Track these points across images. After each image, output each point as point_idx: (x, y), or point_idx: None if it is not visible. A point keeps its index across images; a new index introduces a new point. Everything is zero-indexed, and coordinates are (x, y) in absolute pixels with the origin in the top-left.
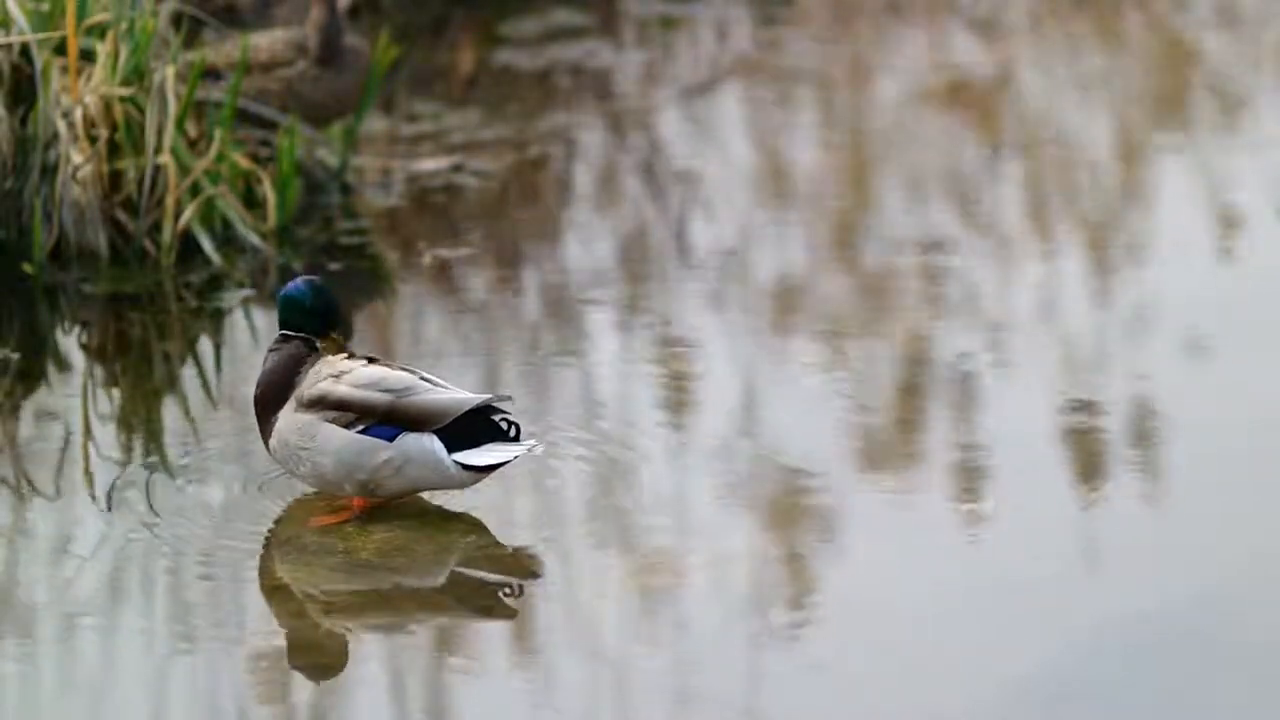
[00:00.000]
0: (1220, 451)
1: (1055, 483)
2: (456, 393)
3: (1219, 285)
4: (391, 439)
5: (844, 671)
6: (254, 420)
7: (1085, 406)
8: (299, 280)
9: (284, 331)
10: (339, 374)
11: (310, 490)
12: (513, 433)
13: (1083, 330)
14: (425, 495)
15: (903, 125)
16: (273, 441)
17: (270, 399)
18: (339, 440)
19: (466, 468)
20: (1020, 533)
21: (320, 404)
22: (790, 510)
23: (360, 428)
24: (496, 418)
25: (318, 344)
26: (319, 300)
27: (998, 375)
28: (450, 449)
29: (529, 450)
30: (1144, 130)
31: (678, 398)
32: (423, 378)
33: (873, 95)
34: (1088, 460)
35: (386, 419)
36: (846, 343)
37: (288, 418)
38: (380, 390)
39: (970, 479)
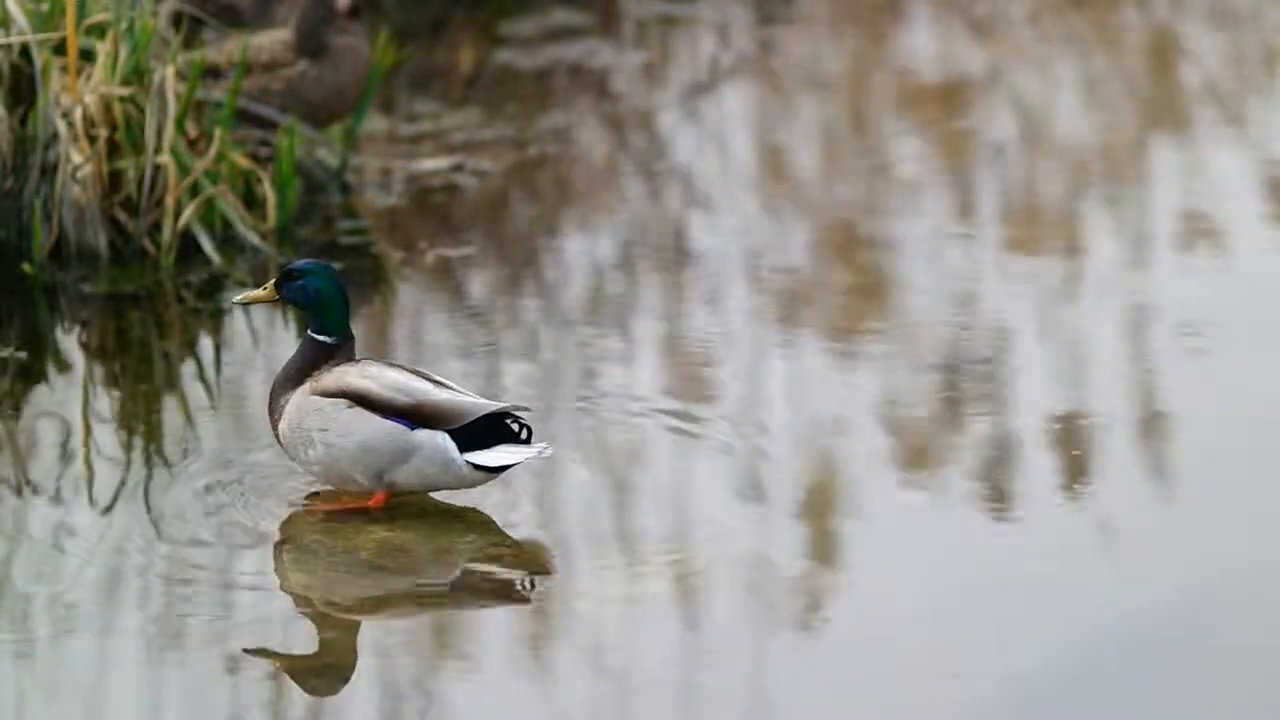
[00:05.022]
0: (1222, 451)
1: (1056, 482)
2: (475, 398)
3: (1218, 284)
4: (409, 430)
5: (847, 669)
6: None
7: (1083, 406)
8: None
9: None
10: (365, 374)
11: (310, 489)
12: (524, 435)
13: (1081, 329)
14: (427, 494)
15: (903, 124)
16: (283, 425)
17: (283, 387)
18: (363, 422)
19: (477, 468)
20: (1020, 532)
21: (343, 395)
22: (793, 509)
23: (380, 417)
24: (508, 419)
25: (317, 337)
26: None
27: (997, 374)
28: (462, 449)
29: (539, 453)
30: (1142, 128)
31: (680, 395)
32: (438, 382)
33: (873, 94)
34: (1087, 460)
35: (405, 415)
36: (848, 341)
37: (301, 400)
38: (400, 392)
39: (970, 479)
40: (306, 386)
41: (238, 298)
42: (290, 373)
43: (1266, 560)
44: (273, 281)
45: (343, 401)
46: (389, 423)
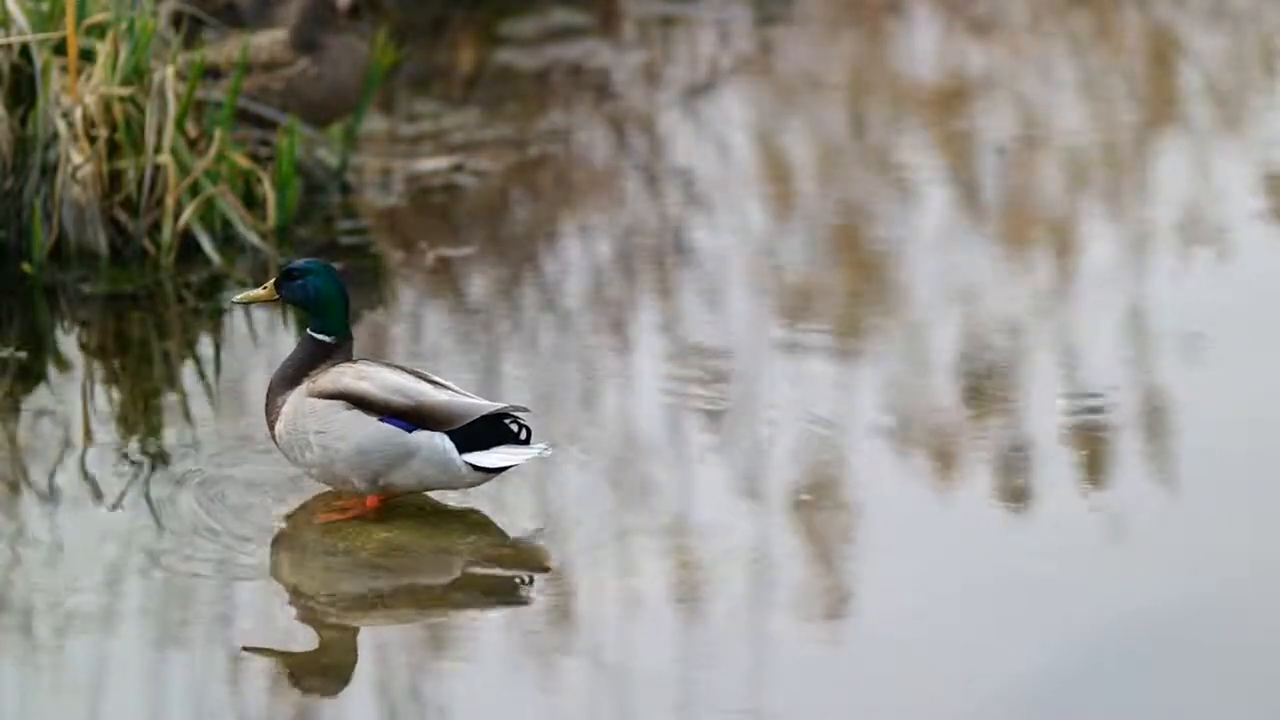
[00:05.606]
0: (1222, 451)
1: (1055, 482)
2: (474, 398)
3: (1218, 283)
4: (407, 432)
5: (847, 668)
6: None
7: (1084, 406)
8: None
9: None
10: (362, 375)
11: (310, 490)
12: (523, 435)
13: (1081, 329)
14: (426, 494)
15: (903, 124)
16: (279, 425)
17: (280, 387)
18: (360, 425)
19: (477, 469)
20: (1021, 531)
21: (340, 397)
22: (793, 509)
23: (378, 419)
24: (507, 420)
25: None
26: None
27: (998, 374)
28: (461, 449)
29: (539, 454)
30: (1142, 128)
31: (680, 393)
32: (436, 383)
33: (873, 94)
34: (1087, 460)
35: (403, 416)
36: (849, 340)
37: (298, 402)
38: (398, 394)
39: (970, 479)
40: (304, 387)
41: (238, 297)
42: (288, 373)
43: (1266, 560)
44: (272, 281)
45: (340, 403)
46: (386, 426)
